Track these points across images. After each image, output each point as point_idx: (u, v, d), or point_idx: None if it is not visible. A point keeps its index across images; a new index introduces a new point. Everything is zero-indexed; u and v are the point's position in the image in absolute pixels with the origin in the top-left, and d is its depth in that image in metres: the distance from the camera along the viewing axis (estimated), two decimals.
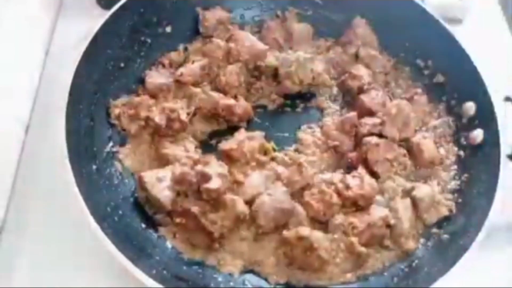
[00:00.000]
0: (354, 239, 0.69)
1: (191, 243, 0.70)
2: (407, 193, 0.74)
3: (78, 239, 0.68)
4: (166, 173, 0.71)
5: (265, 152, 0.78)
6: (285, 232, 0.68)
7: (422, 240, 0.73)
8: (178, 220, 0.69)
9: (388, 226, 0.71)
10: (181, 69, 0.83)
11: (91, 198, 0.64)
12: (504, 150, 0.72)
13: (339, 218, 0.71)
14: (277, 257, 0.70)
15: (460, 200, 0.75)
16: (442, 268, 0.63)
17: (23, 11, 0.84)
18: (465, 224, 0.70)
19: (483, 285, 0.72)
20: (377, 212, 0.71)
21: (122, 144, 0.77)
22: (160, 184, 0.70)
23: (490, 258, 0.74)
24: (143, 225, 0.70)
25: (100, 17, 0.77)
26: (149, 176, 0.70)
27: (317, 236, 0.68)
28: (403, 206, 0.72)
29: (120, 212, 0.69)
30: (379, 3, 0.89)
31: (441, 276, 0.62)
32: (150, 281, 0.58)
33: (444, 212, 0.74)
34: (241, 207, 0.69)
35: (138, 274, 0.59)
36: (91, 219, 0.61)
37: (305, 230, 0.67)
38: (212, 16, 0.89)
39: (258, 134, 0.78)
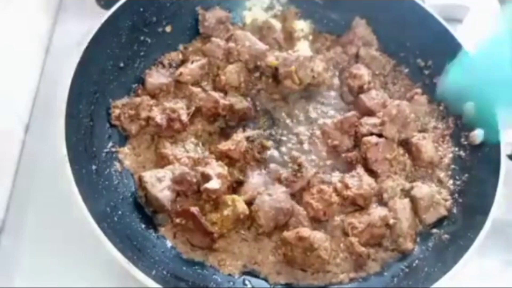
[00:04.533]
0: (354, 239, 0.69)
1: (191, 243, 0.70)
2: (407, 192, 0.74)
3: (78, 239, 0.67)
4: (166, 173, 0.71)
5: (263, 148, 0.78)
6: (285, 233, 0.68)
7: (422, 240, 0.73)
8: (177, 220, 0.69)
9: (388, 226, 0.71)
10: (181, 69, 0.83)
11: (91, 198, 0.63)
12: (504, 150, 0.72)
13: (338, 219, 0.71)
14: (277, 257, 0.70)
15: (460, 200, 0.75)
16: (442, 268, 0.63)
17: (23, 11, 0.84)
18: (465, 224, 0.70)
19: (483, 285, 0.72)
20: (377, 212, 0.71)
21: (122, 144, 0.77)
22: (160, 184, 0.70)
23: (491, 258, 0.74)
24: (143, 225, 0.70)
25: (100, 17, 0.77)
26: (149, 176, 0.70)
27: (317, 236, 0.67)
28: (402, 206, 0.72)
29: (120, 212, 0.69)
30: (379, 3, 0.89)
31: (441, 276, 0.62)
32: (150, 281, 0.58)
33: (443, 212, 0.74)
34: (241, 207, 0.69)
35: (138, 274, 0.59)
36: (90, 219, 0.61)
37: (305, 231, 0.67)
38: (212, 16, 0.89)
39: (257, 134, 0.78)
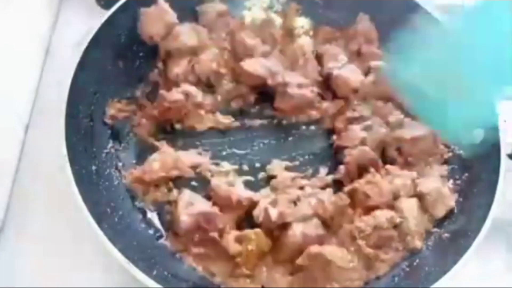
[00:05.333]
0: (361, 242, 0.68)
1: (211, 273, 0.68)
2: (412, 190, 0.73)
3: (78, 239, 0.68)
4: (202, 202, 0.70)
5: None
6: (297, 260, 0.66)
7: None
8: (196, 250, 0.67)
9: (396, 227, 0.70)
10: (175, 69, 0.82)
11: (91, 198, 0.63)
12: (504, 149, 0.72)
13: (347, 226, 0.70)
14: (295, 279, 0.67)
15: (460, 200, 0.74)
16: (443, 267, 0.63)
17: (23, 11, 0.84)
18: (465, 224, 0.70)
19: (484, 285, 0.72)
20: (383, 214, 0.70)
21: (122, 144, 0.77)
22: (189, 207, 0.68)
23: (491, 257, 0.74)
24: (143, 225, 0.70)
25: (100, 17, 0.77)
26: (189, 196, 0.70)
27: (328, 248, 0.66)
28: (409, 204, 0.71)
29: (120, 212, 0.69)
30: (379, 2, 0.89)
31: (441, 275, 0.62)
32: (150, 282, 0.58)
33: (451, 203, 0.72)
34: (265, 241, 0.67)
35: (138, 274, 0.58)
36: (91, 220, 0.61)
37: (314, 248, 0.66)
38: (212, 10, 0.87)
39: None
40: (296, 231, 0.68)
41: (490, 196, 0.68)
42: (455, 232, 0.70)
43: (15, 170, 0.78)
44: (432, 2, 0.91)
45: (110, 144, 0.76)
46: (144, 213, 0.72)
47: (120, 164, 0.75)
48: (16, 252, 0.71)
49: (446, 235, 0.71)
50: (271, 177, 0.76)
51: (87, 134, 0.72)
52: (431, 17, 0.84)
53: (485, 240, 0.64)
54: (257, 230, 0.68)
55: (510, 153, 0.73)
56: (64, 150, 0.65)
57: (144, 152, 0.77)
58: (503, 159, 0.71)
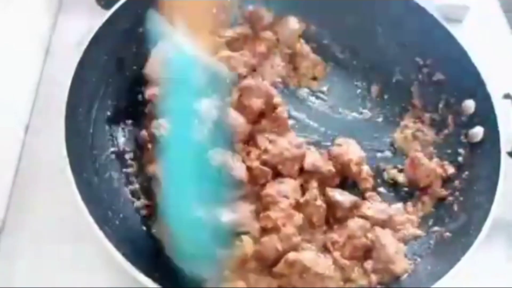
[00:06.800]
0: (336, 254, 0.68)
1: None
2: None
3: (78, 240, 0.67)
4: None
5: None
6: (275, 268, 0.65)
7: (423, 239, 0.73)
8: None
9: (367, 237, 0.69)
10: None
11: (92, 201, 0.63)
12: (504, 147, 0.72)
13: (321, 237, 0.70)
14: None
15: (461, 199, 0.74)
16: (444, 267, 0.63)
17: (23, 11, 0.84)
18: (466, 222, 0.70)
19: (484, 285, 0.72)
20: (354, 222, 0.70)
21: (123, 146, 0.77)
22: None
23: (491, 257, 0.74)
24: (144, 228, 0.70)
25: (100, 17, 0.77)
26: None
27: (306, 255, 0.65)
28: (384, 232, 0.70)
29: (121, 215, 0.69)
30: (379, 2, 0.89)
31: (443, 274, 0.62)
32: (152, 283, 0.58)
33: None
34: (249, 248, 0.66)
35: (139, 276, 0.58)
36: (91, 222, 0.60)
37: (291, 255, 0.65)
38: None
39: None
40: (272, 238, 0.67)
41: (490, 194, 0.68)
42: (457, 231, 0.70)
43: (15, 170, 0.78)
44: (432, 2, 0.91)
45: (111, 147, 0.76)
46: (145, 216, 0.71)
47: (120, 165, 0.75)
48: (16, 252, 0.71)
49: (448, 234, 0.71)
50: None
51: (87, 136, 0.72)
52: (433, 18, 0.85)
53: (486, 239, 0.64)
54: (245, 236, 0.67)
55: (510, 151, 0.73)
56: (64, 152, 0.65)
57: None
58: (503, 157, 0.71)
